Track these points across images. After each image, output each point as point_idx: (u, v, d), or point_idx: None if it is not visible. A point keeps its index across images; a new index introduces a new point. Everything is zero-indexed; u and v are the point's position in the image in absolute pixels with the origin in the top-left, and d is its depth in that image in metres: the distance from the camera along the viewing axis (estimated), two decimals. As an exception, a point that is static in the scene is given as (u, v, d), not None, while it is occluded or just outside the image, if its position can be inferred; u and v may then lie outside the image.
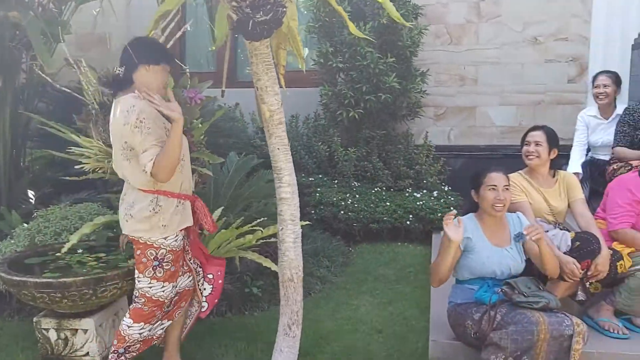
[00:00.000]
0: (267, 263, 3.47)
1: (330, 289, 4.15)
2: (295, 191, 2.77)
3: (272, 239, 3.67)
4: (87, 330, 2.97)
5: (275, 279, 3.93)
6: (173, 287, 2.73)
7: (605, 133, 4.34)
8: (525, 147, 3.25)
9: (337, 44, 5.39)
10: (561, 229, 3.21)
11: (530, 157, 3.22)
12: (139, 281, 2.66)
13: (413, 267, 4.53)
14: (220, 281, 2.97)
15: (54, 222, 3.60)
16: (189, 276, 2.86)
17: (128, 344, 2.69)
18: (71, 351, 2.99)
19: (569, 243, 3.00)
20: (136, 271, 2.67)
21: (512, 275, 2.90)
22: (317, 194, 5.16)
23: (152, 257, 2.61)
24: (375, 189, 5.33)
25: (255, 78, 2.68)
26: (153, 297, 2.66)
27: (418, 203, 5.06)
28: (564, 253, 2.96)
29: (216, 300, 2.99)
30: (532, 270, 3.07)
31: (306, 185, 5.19)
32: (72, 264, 3.12)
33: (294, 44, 2.92)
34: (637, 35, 5.18)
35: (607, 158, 4.25)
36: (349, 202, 5.09)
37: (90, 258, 3.19)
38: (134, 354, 2.75)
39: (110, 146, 3.32)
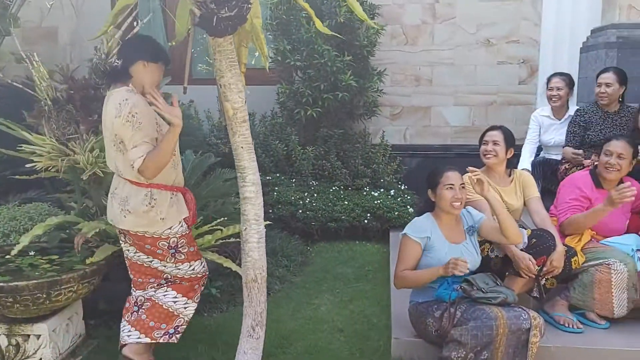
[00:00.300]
0: (227, 263, 3.41)
1: (290, 288, 4.13)
2: (259, 190, 2.73)
3: (232, 239, 3.62)
4: (40, 335, 2.85)
5: (235, 280, 3.89)
6: (201, 262, 2.84)
7: (557, 133, 4.48)
8: (483, 146, 3.32)
9: (295, 42, 5.37)
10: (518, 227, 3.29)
11: (488, 156, 3.28)
12: (164, 267, 2.73)
13: (371, 266, 4.56)
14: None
15: (2, 223, 3.45)
16: (203, 263, 2.90)
17: (177, 324, 2.78)
18: (23, 357, 2.86)
19: (526, 240, 3.07)
20: (155, 260, 2.72)
21: (471, 270, 2.95)
22: (275, 193, 5.12)
23: (165, 247, 2.68)
24: (334, 188, 5.33)
25: (218, 75, 2.62)
26: (185, 276, 2.77)
27: (376, 202, 5.09)
28: (521, 250, 3.03)
29: None
30: (491, 267, 3.15)
31: (264, 184, 5.11)
32: (24, 267, 2.98)
33: (258, 42, 2.88)
34: (585, 38, 5.37)
35: (559, 157, 4.38)
36: (307, 201, 5.07)
37: (42, 260, 3.06)
38: (180, 333, 2.82)
39: (63, 144, 3.21)
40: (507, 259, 3.09)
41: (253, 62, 3.07)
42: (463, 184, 2.92)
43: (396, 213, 5.04)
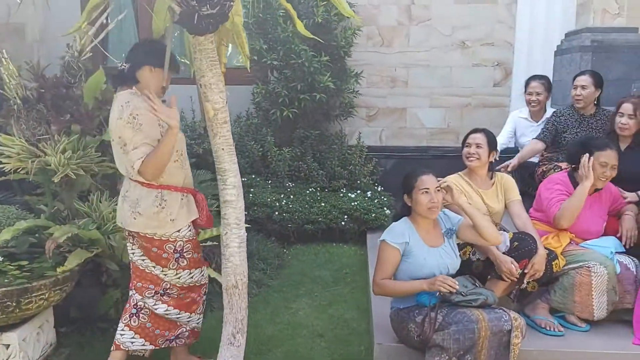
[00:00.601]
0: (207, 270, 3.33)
1: (267, 292, 4.05)
2: (241, 193, 2.66)
3: (208, 243, 3.54)
4: (9, 345, 2.72)
5: (211, 284, 3.79)
6: (201, 271, 2.82)
7: (534, 135, 4.49)
8: (466, 149, 3.30)
9: (271, 41, 5.29)
10: (499, 230, 3.29)
11: (471, 158, 3.26)
12: (165, 275, 2.70)
13: (349, 268, 4.51)
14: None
15: (-33, 227, 3.28)
16: (203, 270, 2.89)
17: (179, 333, 2.81)
18: (-9, 368, 2.73)
19: (508, 243, 3.07)
20: (158, 267, 2.69)
21: (450, 273, 2.93)
22: (251, 195, 5.03)
23: (171, 251, 2.67)
24: (310, 190, 5.27)
25: (198, 75, 2.54)
26: (184, 285, 2.75)
27: (353, 203, 5.05)
28: (503, 253, 3.02)
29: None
30: (473, 270, 3.13)
31: (238, 185, 5.05)
32: (-9, 273, 2.84)
33: (239, 41, 2.81)
34: (559, 42, 5.43)
35: (536, 160, 4.40)
36: (283, 203, 5.00)
37: (11, 267, 2.91)
38: (184, 340, 2.85)
39: (33, 145, 3.09)
40: (489, 262, 3.08)
41: (244, 63, 3.01)
42: (439, 187, 2.89)
43: (373, 215, 5.01)
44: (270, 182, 5.35)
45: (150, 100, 2.44)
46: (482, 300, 2.79)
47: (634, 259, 3.22)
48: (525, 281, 3.08)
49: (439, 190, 2.88)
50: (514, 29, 6.02)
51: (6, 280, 2.73)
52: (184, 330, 2.86)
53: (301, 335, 3.40)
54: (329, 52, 5.28)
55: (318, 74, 5.12)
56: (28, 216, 3.38)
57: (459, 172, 3.37)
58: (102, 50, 3.76)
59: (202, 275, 2.85)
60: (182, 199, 2.67)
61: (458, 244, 3.14)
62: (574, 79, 4.21)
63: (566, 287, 3.14)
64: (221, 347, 2.64)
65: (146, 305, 2.76)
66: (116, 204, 3.32)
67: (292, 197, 5.11)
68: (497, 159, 3.38)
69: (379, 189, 5.51)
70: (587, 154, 3.17)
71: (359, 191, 5.34)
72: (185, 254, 2.71)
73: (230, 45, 3.22)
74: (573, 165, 3.36)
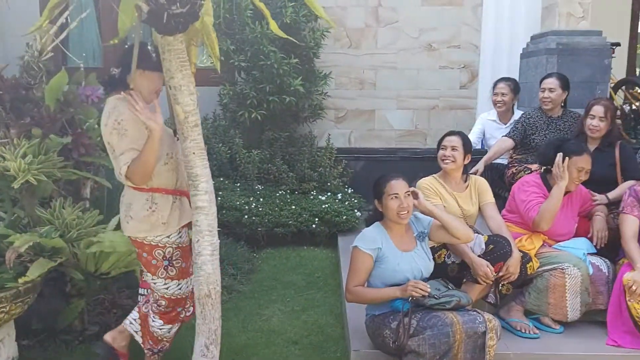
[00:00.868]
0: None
1: (239, 298, 3.96)
2: (213, 199, 2.56)
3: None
4: (-34, 362, 2.57)
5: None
6: (187, 283, 2.74)
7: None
8: (441, 151, 3.28)
9: (238, 42, 5.20)
10: (473, 233, 3.28)
11: (447, 161, 3.25)
12: (154, 283, 2.68)
13: (321, 272, 4.45)
14: None
15: None
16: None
17: (162, 345, 2.81)
18: (-53, 387, 2.57)
19: (483, 246, 3.07)
20: (148, 274, 2.67)
21: (424, 276, 2.92)
22: (219, 198, 4.92)
23: (161, 257, 2.63)
24: (280, 192, 5.20)
25: (167, 76, 2.44)
26: (172, 297, 2.69)
27: (323, 206, 4.99)
28: (479, 256, 3.01)
29: None
30: (448, 273, 3.12)
31: (207, 189, 4.93)
32: (-55, 286, 2.68)
33: (209, 41, 2.71)
34: (524, 44, 5.50)
35: (505, 162, 4.43)
36: (252, 206, 4.91)
37: (-32, 278, 2.76)
38: (167, 350, 2.86)
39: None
40: (464, 265, 3.07)
41: (214, 64, 2.93)
42: (408, 191, 2.86)
43: (344, 217, 4.97)
44: (239, 185, 5.25)
45: (133, 100, 2.41)
46: (455, 301, 2.78)
47: (606, 260, 3.27)
48: (499, 284, 3.09)
49: (408, 195, 2.85)
50: (480, 31, 6.07)
51: (-37, 294, 2.58)
52: (166, 345, 2.85)
53: (275, 342, 3.32)
54: (298, 53, 5.21)
55: (287, 76, 5.05)
56: (-17, 224, 3.22)
57: (434, 175, 3.36)
58: (64, 50, 3.62)
59: (188, 286, 2.77)
60: (174, 202, 2.62)
61: (433, 247, 3.13)
62: (541, 81, 4.26)
63: (540, 289, 3.15)
64: (194, 359, 2.54)
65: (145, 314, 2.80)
66: (80, 210, 3.21)
67: (261, 200, 5.03)
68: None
69: (349, 191, 5.48)
70: (561, 154, 3.18)
71: (329, 193, 5.29)
72: (174, 262, 2.66)
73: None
74: (546, 167, 3.38)
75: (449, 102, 6.20)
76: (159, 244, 2.61)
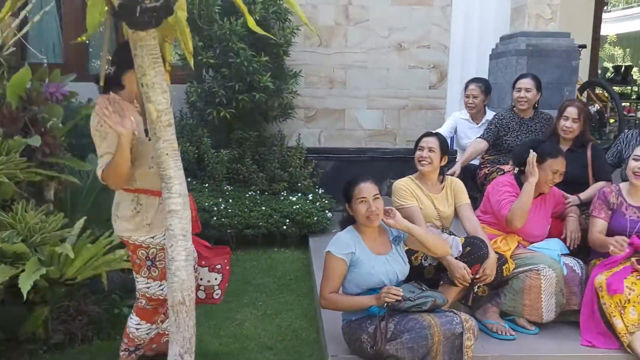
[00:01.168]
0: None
1: (209, 303, 3.85)
2: (187, 202, 2.45)
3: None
4: None
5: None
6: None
7: (475, 137, 4.52)
8: (418, 153, 3.25)
9: (206, 39, 5.08)
10: (449, 234, 3.26)
11: (424, 162, 3.21)
12: (137, 282, 2.70)
13: (293, 274, 4.38)
14: (227, 267, 3.04)
15: None
16: None
17: (138, 343, 2.77)
18: None
19: (460, 248, 3.04)
20: (134, 272, 2.69)
21: (400, 280, 2.89)
22: (187, 199, 4.80)
23: (144, 257, 2.63)
24: (250, 193, 5.10)
25: (139, 73, 2.33)
26: (153, 297, 2.69)
27: (294, 207, 4.92)
28: (456, 258, 2.99)
29: (226, 284, 3.07)
30: (425, 275, 3.10)
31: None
32: None
33: (183, 37, 2.60)
34: (494, 45, 5.53)
35: (477, 163, 4.44)
36: (221, 207, 4.81)
37: None
38: (143, 351, 2.83)
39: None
40: (441, 267, 3.05)
41: (170, 59, 2.81)
42: (377, 194, 2.82)
43: (315, 218, 4.91)
44: (207, 185, 5.13)
45: (103, 104, 2.36)
46: (431, 302, 2.75)
47: (579, 260, 3.29)
48: (476, 286, 3.07)
49: (377, 198, 2.81)
50: (449, 31, 6.08)
51: None
52: (143, 344, 2.84)
53: (249, 348, 3.24)
54: (268, 51, 5.12)
55: (257, 73, 4.95)
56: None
57: (410, 176, 3.33)
58: (23, 45, 3.45)
59: None
60: (160, 203, 2.56)
61: (410, 250, 3.09)
62: (516, 81, 4.27)
63: (516, 290, 3.15)
64: (167, 369, 2.44)
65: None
66: (44, 214, 3.07)
67: (230, 201, 4.93)
68: None
69: (320, 191, 5.42)
70: (532, 151, 3.19)
71: (299, 194, 5.22)
72: (157, 264, 2.64)
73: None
74: (520, 168, 3.39)
75: (419, 102, 6.20)
76: (143, 244, 2.61)
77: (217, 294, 3.04)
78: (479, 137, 4.33)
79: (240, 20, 4.94)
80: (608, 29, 14.74)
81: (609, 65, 14.67)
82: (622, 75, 10.00)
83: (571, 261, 3.26)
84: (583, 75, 7.15)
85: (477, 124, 4.72)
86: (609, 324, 3.03)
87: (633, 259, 3.07)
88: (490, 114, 4.63)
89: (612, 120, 8.09)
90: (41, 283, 2.97)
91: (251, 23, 2.65)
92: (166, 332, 2.87)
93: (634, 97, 10.20)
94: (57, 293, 3.13)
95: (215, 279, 3.00)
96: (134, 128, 2.44)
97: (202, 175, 5.21)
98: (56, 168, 3.19)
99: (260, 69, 4.97)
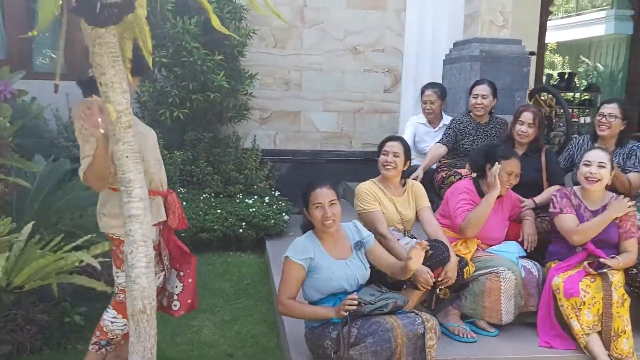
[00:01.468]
0: (101, 286, 2.97)
1: (164, 309, 3.73)
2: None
3: (99, 259, 3.17)
4: None
5: (100, 303, 3.42)
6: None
7: (433, 141, 4.55)
8: (382, 157, 3.24)
9: (158, 37, 4.94)
10: (410, 237, 3.27)
11: (388, 167, 3.21)
12: (117, 277, 2.70)
13: (250, 278, 4.31)
14: (190, 280, 2.93)
15: None
16: (159, 276, 2.81)
17: (110, 337, 2.72)
18: None
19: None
20: (114, 267, 2.70)
21: (360, 284, 2.88)
22: (139, 202, 4.64)
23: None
24: (204, 195, 4.99)
25: (98, 72, 2.22)
26: None
27: (250, 210, 4.84)
28: (418, 262, 2.99)
29: (189, 300, 2.90)
30: (387, 279, 3.08)
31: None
32: None
33: (142, 35, 2.49)
34: (447, 50, 5.61)
35: (435, 166, 4.47)
36: (175, 211, 4.67)
37: None
38: (115, 347, 2.77)
39: None
40: (404, 271, 3.04)
41: (130, 57, 2.71)
42: (333, 199, 2.80)
43: (272, 221, 4.84)
44: (160, 188, 4.98)
45: (81, 108, 2.35)
46: (392, 303, 2.74)
47: (536, 263, 3.36)
48: (437, 289, 3.09)
49: (333, 203, 2.78)
50: (403, 36, 6.14)
51: None
52: (117, 339, 2.76)
53: (208, 356, 3.15)
54: (222, 51, 5.03)
55: (211, 72, 4.85)
56: None
57: (373, 179, 3.32)
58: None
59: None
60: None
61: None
62: (472, 87, 4.33)
63: (476, 292, 3.18)
64: (127, 381, 2.33)
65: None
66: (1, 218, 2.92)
67: (184, 203, 4.79)
68: None
69: (276, 194, 5.36)
70: (497, 164, 3.23)
71: (256, 197, 5.15)
72: None
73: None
74: (477, 174, 3.43)
75: (374, 105, 6.23)
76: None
77: (175, 306, 2.92)
78: (438, 142, 4.37)
79: (194, 20, 4.83)
80: (548, 37, 15.24)
81: (552, 72, 15.17)
82: (566, 82, 10.37)
83: (528, 263, 3.32)
84: (530, 82, 7.35)
85: (435, 128, 4.77)
86: (565, 326, 3.10)
87: (585, 263, 3.15)
88: (447, 119, 4.69)
89: (558, 126, 8.35)
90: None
91: (216, 22, 2.55)
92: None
93: (576, 102, 10.57)
94: (4, 301, 2.95)
95: (177, 286, 2.90)
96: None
97: (154, 178, 5.05)
98: (3, 170, 3.02)
99: (214, 68, 4.88)
